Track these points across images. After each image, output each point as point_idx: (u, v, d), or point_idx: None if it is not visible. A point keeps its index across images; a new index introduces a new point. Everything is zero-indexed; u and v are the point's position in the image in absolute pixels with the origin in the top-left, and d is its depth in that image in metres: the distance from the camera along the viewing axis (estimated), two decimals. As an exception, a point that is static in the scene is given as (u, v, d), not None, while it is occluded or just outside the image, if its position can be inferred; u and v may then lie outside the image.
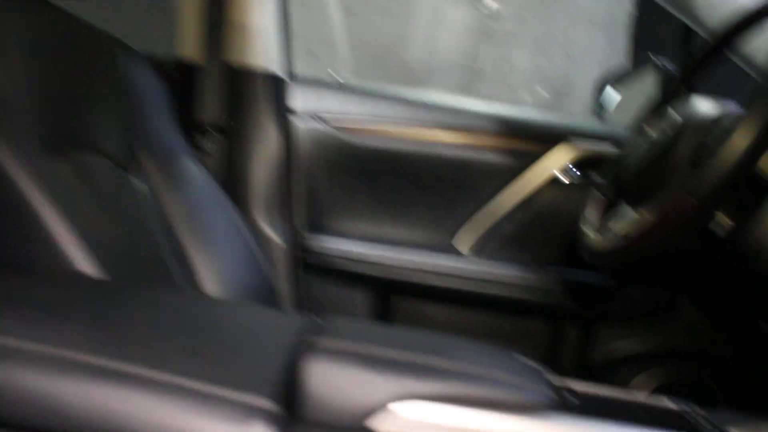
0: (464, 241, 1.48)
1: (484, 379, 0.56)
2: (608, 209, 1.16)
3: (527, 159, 1.46)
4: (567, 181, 1.45)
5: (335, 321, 0.64)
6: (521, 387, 0.56)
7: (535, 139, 1.46)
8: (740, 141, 0.77)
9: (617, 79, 1.74)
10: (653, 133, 1.05)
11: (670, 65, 1.59)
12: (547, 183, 1.46)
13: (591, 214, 1.15)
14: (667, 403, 0.70)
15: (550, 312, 1.42)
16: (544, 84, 3.44)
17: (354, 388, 0.53)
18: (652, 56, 1.62)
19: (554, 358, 1.46)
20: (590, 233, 1.10)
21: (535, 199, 1.46)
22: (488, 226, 1.47)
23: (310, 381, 0.53)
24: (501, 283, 1.41)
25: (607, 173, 1.19)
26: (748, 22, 1.01)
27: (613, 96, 1.72)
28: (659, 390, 1.41)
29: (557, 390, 0.60)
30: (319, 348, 0.55)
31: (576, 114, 3.48)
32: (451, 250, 1.47)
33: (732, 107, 0.98)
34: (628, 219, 1.01)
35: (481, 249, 1.48)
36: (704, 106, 0.99)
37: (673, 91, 1.15)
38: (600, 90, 1.74)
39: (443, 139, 1.47)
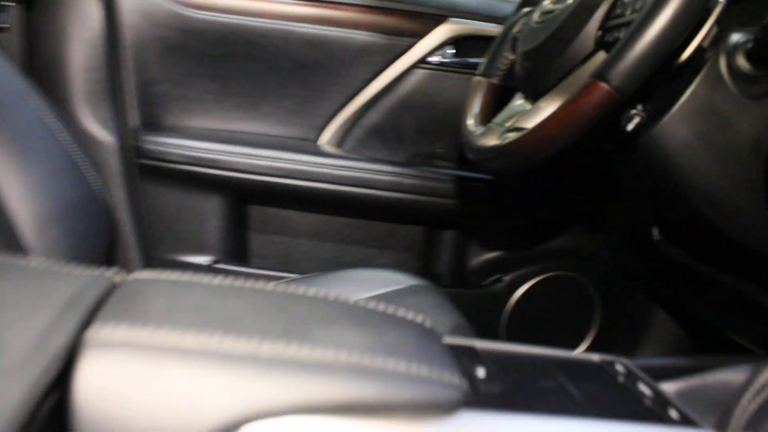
0: (330, 136, 1.30)
1: (366, 373, 0.38)
2: (496, 99, 1.01)
3: (400, 39, 1.26)
4: (439, 63, 1.28)
5: (136, 285, 0.40)
6: (422, 380, 0.40)
7: (409, 16, 1.26)
8: (662, 14, 0.62)
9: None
10: (547, 2, 0.88)
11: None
12: (419, 65, 1.27)
13: (475, 105, 0.99)
14: (589, 357, 0.58)
15: (425, 213, 1.29)
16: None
17: (157, 411, 0.34)
18: None
19: (429, 262, 1.35)
20: (475, 128, 0.95)
21: (409, 86, 1.28)
22: (356, 118, 1.29)
23: (80, 404, 0.33)
24: (371, 184, 1.24)
25: (493, 56, 1.02)
26: None
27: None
28: (535, 286, 1.35)
29: (466, 371, 0.45)
30: (95, 344, 0.36)
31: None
32: (315, 148, 1.28)
33: None
34: (521, 111, 0.86)
35: (349, 145, 1.30)
36: None
37: None
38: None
39: (303, 14, 1.24)
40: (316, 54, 1.24)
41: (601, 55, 0.75)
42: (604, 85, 0.65)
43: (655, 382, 0.52)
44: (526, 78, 0.86)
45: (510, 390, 0.45)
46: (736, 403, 0.53)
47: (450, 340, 0.49)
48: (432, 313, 0.87)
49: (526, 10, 1.00)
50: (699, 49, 0.71)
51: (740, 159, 0.79)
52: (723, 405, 0.54)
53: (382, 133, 1.30)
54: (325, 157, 1.24)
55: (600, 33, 0.74)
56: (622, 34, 0.71)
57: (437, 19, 1.26)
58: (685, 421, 0.45)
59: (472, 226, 1.35)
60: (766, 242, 0.81)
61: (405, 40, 1.26)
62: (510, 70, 1.00)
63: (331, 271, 1.06)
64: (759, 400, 0.53)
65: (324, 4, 1.24)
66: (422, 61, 1.27)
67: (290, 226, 1.31)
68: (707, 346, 1.24)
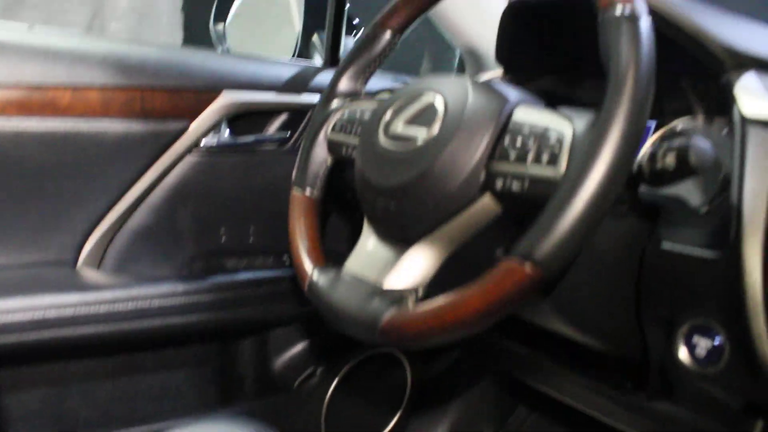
0: (88, 253, 1.02)
1: None
2: (321, 216, 0.86)
3: (167, 122, 1.03)
4: (215, 145, 1.09)
5: None
6: None
7: (176, 94, 1.04)
8: (599, 178, 0.54)
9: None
10: (401, 117, 0.73)
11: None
12: (192, 152, 1.06)
13: (301, 234, 0.82)
14: None
15: (217, 327, 1.10)
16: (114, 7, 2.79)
17: None
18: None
19: (229, 374, 1.16)
20: (316, 274, 0.76)
21: (181, 176, 1.06)
22: (120, 224, 1.03)
23: None
24: (150, 310, 1.00)
25: (306, 162, 0.86)
26: None
27: (237, 11, 1.36)
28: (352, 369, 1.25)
29: None
30: None
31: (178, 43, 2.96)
32: (69, 279, 1.00)
33: (523, 95, 0.69)
34: (385, 260, 0.71)
35: (113, 258, 1.04)
36: (481, 92, 0.68)
37: (374, 38, 0.85)
38: (220, 5, 1.36)
39: (31, 103, 0.94)
40: (59, 155, 0.95)
41: (487, 203, 0.65)
42: (532, 270, 0.55)
43: None
44: (388, 219, 0.72)
45: None
46: None
47: None
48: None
49: (335, 105, 0.86)
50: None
51: (606, 271, 0.78)
52: None
53: (154, 236, 1.06)
54: (87, 291, 0.96)
55: (486, 175, 0.65)
56: (516, 184, 0.62)
57: (209, 95, 1.06)
58: None
59: (273, 325, 1.19)
60: (618, 344, 0.82)
61: (172, 124, 1.03)
62: (331, 179, 0.86)
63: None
64: None
65: (57, 90, 0.95)
66: (195, 146, 1.06)
67: (58, 377, 1.01)
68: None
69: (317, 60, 1.27)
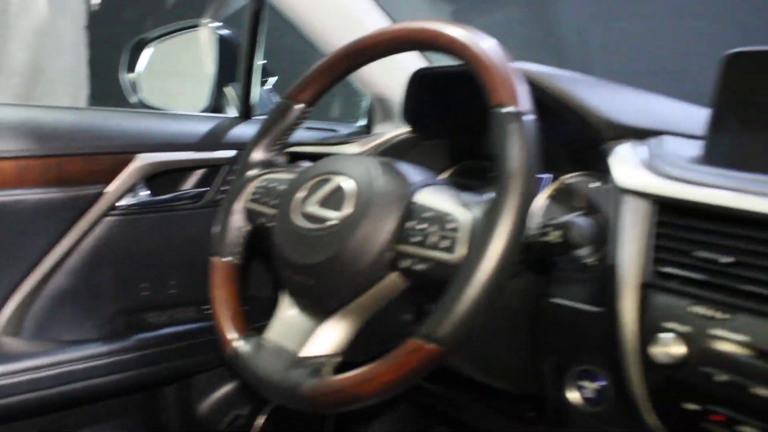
0: (5, 321, 1.02)
1: None
2: (242, 282, 0.91)
3: (82, 188, 1.05)
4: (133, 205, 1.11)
5: None
6: None
7: (90, 160, 1.05)
8: (494, 259, 0.62)
9: (154, 39, 1.39)
10: (309, 199, 0.79)
11: (225, 30, 1.34)
12: (110, 213, 1.09)
13: (223, 303, 0.86)
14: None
15: (141, 381, 1.12)
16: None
17: None
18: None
19: (157, 425, 1.19)
20: (241, 343, 0.81)
21: (100, 239, 1.08)
22: (37, 290, 1.04)
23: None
24: (74, 374, 1.02)
25: (223, 230, 0.90)
26: None
27: (149, 61, 1.38)
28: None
29: None
30: None
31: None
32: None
33: (424, 177, 0.77)
34: (305, 329, 0.77)
35: (31, 325, 1.04)
36: (389, 174, 0.74)
37: (284, 111, 0.91)
38: (134, 55, 1.38)
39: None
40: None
41: (394, 280, 0.72)
42: (433, 348, 0.63)
43: None
44: (305, 293, 0.78)
45: None
46: None
47: None
48: None
49: (251, 174, 0.91)
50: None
51: (505, 324, 0.86)
52: None
53: (74, 298, 1.07)
54: (6, 362, 0.97)
55: (392, 255, 0.71)
56: (420, 265, 0.69)
57: (125, 157, 1.08)
58: None
59: (196, 372, 1.22)
60: (524, 387, 0.90)
61: (88, 189, 1.05)
62: (251, 245, 0.90)
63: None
64: None
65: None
66: (113, 208, 1.08)
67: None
68: None
69: (232, 111, 1.31)
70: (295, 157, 1.17)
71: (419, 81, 1.02)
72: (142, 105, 1.36)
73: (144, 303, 1.15)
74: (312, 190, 0.79)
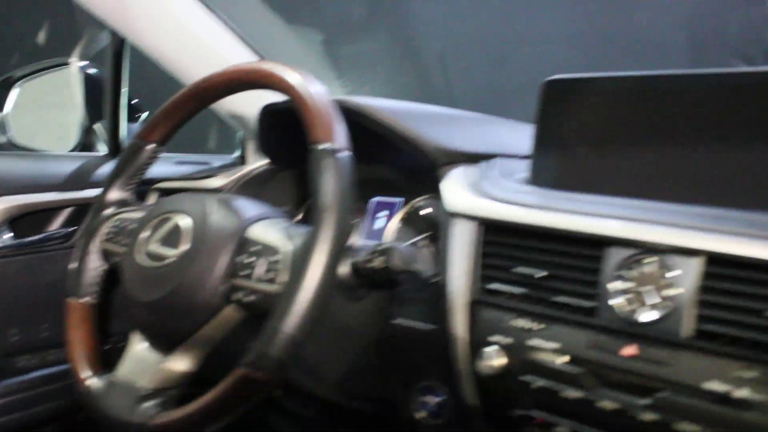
0: None
1: None
2: (98, 323, 0.92)
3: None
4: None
5: None
6: None
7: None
8: (312, 288, 0.66)
9: (22, 78, 1.38)
10: (152, 239, 0.81)
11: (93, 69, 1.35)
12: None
13: (78, 345, 0.87)
14: None
15: (20, 425, 1.10)
16: None
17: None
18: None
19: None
20: (94, 382, 0.83)
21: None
22: None
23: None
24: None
25: (79, 271, 0.91)
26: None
27: (17, 100, 1.37)
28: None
29: None
30: None
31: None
32: None
33: (260, 210, 0.80)
34: (153, 365, 0.79)
35: None
36: (222, 211, 0.78)
37: (136, 152, 0.93)
38: (1, 93, 1.36)
39: None
40: None
41: (230, 312, 0.75)
42: (259, 376, 0.66)
43: None
44: (151, 328, 0.80)
45: None
46: None
47: None
48: None
49: (106, 214, 0.92)
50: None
51: (354, 351, 0.90)
52: None
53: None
54: None
55: (227, 289, 0.74)
56: (250, 297, 0.72)
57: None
58: None
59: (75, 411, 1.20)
60: (376, 405, 0.94)
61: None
62: (106, 285, 0.91)
63: None
64: None
65: None
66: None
67: None
68: None
69: (102, 148, 1.31)
70: (165, 193, 1.19)
71: (269, 115, 1.05)
72: (11, 145, 1.34)
73: (14, 347, 1.13)
74: (154, 229, 0.81)
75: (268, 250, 0.73)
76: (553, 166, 0.84)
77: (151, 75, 1.28)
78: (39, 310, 1.14)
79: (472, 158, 0.91)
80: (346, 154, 0.72)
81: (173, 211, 0.81)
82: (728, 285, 0.63)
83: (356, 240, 1.06)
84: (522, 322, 0.74)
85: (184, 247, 0.76)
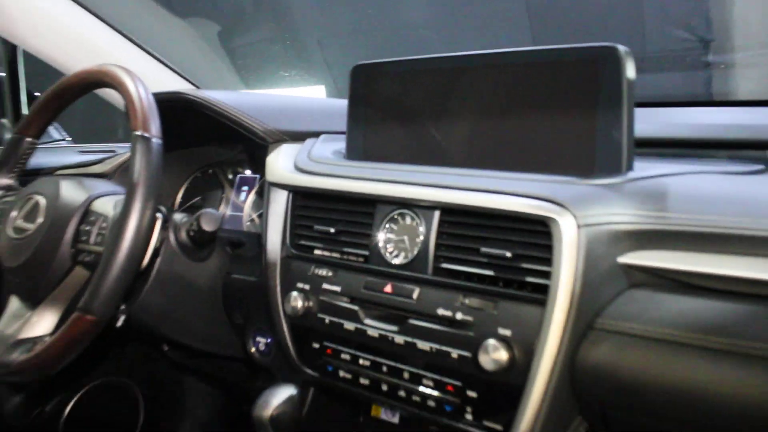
0: None
1: None
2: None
3: None
4: None
5: None
6: None
7: None
8: (127, 246, 0.81)
9: None
10: (19, 216, 0.97)
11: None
12: None
13: None
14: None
15: None
16: None
17: None
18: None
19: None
20: None
21: None
22: None
23: None
24: None
25: None
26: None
27: None
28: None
29: None
30: None
31: None
32: None
33: (103, 188, 0.98)
34: (22, 318, 0.95)
35: None
36: (73, 191, 0.96)
37: (16, 143, 1.08)
38: None
39: None
40: None
41: (79, 271, 0.90)
42: (90, 317, 0.81)
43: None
44: (19, 288, 0.96)
45: None
46: None
47: None
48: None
49: None
50: (154, 249, 0.92)
51: (204, 302, 1.05)
52: None
53: None
54: None
55: (73, 251, 0.90)
56: (90, 257, 0.88)
57: None
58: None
59: None
60: (229, 348, 1.10)
61: None
62: None
63: None
64: None
65: None
66: None
67: None
68: None
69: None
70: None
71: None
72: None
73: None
74: (21, 208, 0.96)
75: (101, 218, 0.88)
76: (364, 140, 0.99)
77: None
78: None
79: (297, 136, 1.05)
80: (156, 141, 0.86)
81: (34, 192, 0.96)
82: (457, 230, 0.78)
83: (225, 210, 1.22)
84: (318, 271, 0.90)
85: (40, 220, 0.92)
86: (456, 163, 0.87)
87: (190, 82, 1.47)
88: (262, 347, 1.00)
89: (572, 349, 0.68)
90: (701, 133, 0.97)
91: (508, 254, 0.73)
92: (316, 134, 1.08)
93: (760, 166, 0.84)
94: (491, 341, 0.71)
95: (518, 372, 0.70)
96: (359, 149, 0.99)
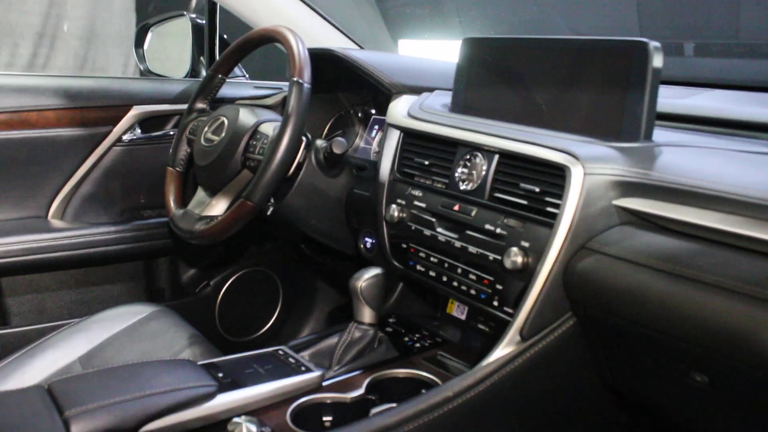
0: (54, 210, 1.65)
1: (163, 394, 0.89)
2: (183, 182, 1.50)
3: (98, 128, 1.65)
4: (130, 140, 1.71)
5: None
6: (192, 387, 0.92)
7: (102, 110, 1.65)
8: (279, 157, 1.19)
9: (154, 24, 1.98)
10: (209, 130, 1.38)
11: (200, 19, 1.91)
12: (117, 144, 1.69)
13: (171, 192, 1.47)
14: (270, 350, 1.14)
15: (141, 251, 1.73)
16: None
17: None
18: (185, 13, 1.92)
19: (153, 285, 1.81)
20: (176, 211, 1.42)
21: (111, 161, 1.68)
22: (73, 193, 1.66)
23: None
24: (96, 242, 1.64)
25: (175, 151, 1.49)
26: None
27: (150, 40, 1.97)
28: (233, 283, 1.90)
29: (212, 375, 0.98)
30: None
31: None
32: (46, 225, 1.62)
33: (268, 116, 1.37)
34: (205, 203, 1.38)
35: (70, 214, 1.67)
36: (247, 116, 1.35)
37: (211, 78, 1.49)
38: (140, 35, 1.96)
39: (10, 121, 1.55)
40: (32, 153, 1.57)
41: (245, 173, 1.30)
42: (249, 203, 1.20)
43: (296, 353, 1.12)
44: (204, 180, 1.38)
45: (235, 379, 1.00)
46: (334, 351, 1.14)
47: (201, 362, 1.02)
48: (172, 332, 1.35)
49: (191, 117, 1.49)
50: (298, 163, 1.30)
51: (332, 209, 1.42)
52: (330, 354, 1.15)
53: (97, 199, 1.69)
54: (55, 232, 1.60)
55: (243, 158, 1.29)
56: (254, 163, 1.27)
57: (124, 108, 1.67)
58: (307, 369, 1.05)
59: (177, 252, 1.83)
60: (347, 246, 1.45)
61: (102, 129, 1.65)
62: (189, 160, 1.49)
63: (86, 315, 1.44)
64: (344, 346, 1.15)
65: (27, 112, 1.57)
66: (119, 141, 1.68)
67: (44, 287, 1.65)
68: None
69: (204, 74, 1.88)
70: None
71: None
72: (149, 71, 1.95)
73: (142, 205, 1.76)
74: (210, 125, 1.37)
75: (264, 137, 1.27)
76: (461, 98, 1.29)
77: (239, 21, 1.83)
78: (158, 183, 1.75)
79: (415, 90, 1.37)
80: (306, 86, 1.22)
81: (221, 115, 1.36)
82: (508, 169, 1.07)
83: (359, 142, 1.58)
84: (413, 191, 1.23)
85: (223, 134, 1.32)
86: (519, 121, 1.15)
87: (353, 41, 1.83)
88: (368, 245, 1.35)
89: (567, 260, 0.95)
90: (743, 116, 1.16)
91: (537, 189, 1.01)
92: (430, 89, 1.39)
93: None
94: (514, 249, 1.00)
95: (529, 273, 0.99)
96: (460, 104, 1.29)
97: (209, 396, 0.93)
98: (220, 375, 1.01)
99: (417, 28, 2.55)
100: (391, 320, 1.32)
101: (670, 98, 1.25)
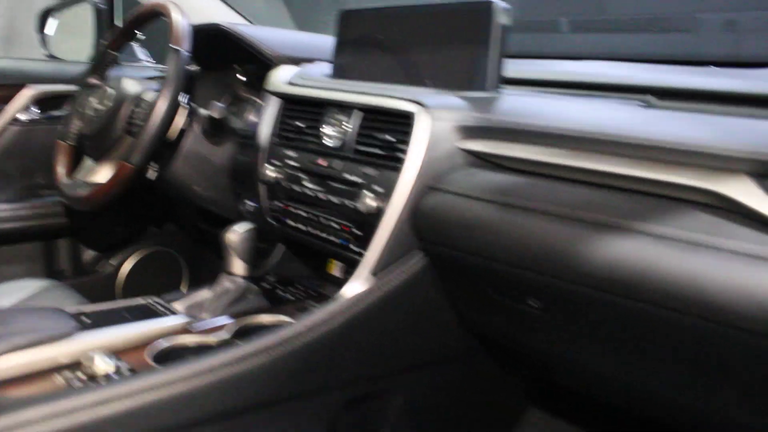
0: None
1: (21, 333, 0.92)
2: (73, 155, 1.52)
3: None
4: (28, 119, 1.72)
5: None
6: (51, 327, 0.95)
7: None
8: (156, 119, 1.23)
9: (56, 9, 1.99)
10: (95, 101, 1.41)
11: (102, 4, 1.94)
12: (12, 124, 1.70)
13: (61, 163, 1.49)
14: (142, 300, 1.17)
15: (39, 231, 1.73)
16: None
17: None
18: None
19: (52, 264, 1.81)
20: (65, 180, 1.45)
21: (6, 141, 1.69)
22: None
23: None
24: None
25: (66, 125, 1.52)
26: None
27: (52, 25, 1.98)
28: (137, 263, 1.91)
29: (76, 318, 1.01)
30: None
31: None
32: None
33: (153, 86, 1.41)
34: (91, 170, 1.40)
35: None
36: (131, 84, 1.39)
37: (104, 54, 1.52)
38: (42, 20, 1.97)
39: None
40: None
41: (128, 138, 1.33)
42: (128, 165, 1.24)
43: (168, 303, 1.15)
44: (89, 149, 1.41)
45: (97, 321, 1.03)
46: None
47: (69, 309, 1.05)
48: (61, 303, 1.36)
49: (85, 92, 1.52)
50: (182, 130, 1.34)
51: (216, 176, 1.45)
52: (202, 305, 1.18)
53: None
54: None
55: (126, 125, 1.33)
56: (137, 128, 1.30)
57: (17, 88, 1.69)
58: (174, 315, 1.08)
59: (77, 233, 1.83)
60: (231, 212, 1.49)
61: (-4, 105, 1.66)
62: (79, 136, 1.51)
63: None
64: (215, 296, 1.19)
65: None
66: (15, 120, 1.69)
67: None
68: None
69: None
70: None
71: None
72: (50, 56, 1.96)
73: (39, 183, 1.76)
74: (97, 96, 1.40)
75: (146, 104, 1.31)
76: (339, 64, 1.35)
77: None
78: (37, 165, 1.75)
79: (296, 61, 1.43)
80: (184, 53, 1.27)
81: (107, 86, 1.40)
82: (369, 123, 1.13)
83: (251, 116, 1.62)
84: (288, 152, 1.27)
85: (108, 103, 1.36)
86: (386, 81, 1.22)
87: (244, 17, 1.88)
88: (249, 208, 1.39)
89: (415, 200, 1.02)
90: (598, 79, 1.25)
91: (393, 139, 1.08)
92: (310, 60, 1.44)
93: (632, 103, 1.10)
94: (368, 193, 1.06)
95: (380, 215, 1.05)
96: (337, 71, 1.35)
97: (68, 335, 0.96)
98: (86, 320, 1.04)
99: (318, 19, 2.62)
100: (269, 277, 1.36)
101: (538, 68, 1.34)
